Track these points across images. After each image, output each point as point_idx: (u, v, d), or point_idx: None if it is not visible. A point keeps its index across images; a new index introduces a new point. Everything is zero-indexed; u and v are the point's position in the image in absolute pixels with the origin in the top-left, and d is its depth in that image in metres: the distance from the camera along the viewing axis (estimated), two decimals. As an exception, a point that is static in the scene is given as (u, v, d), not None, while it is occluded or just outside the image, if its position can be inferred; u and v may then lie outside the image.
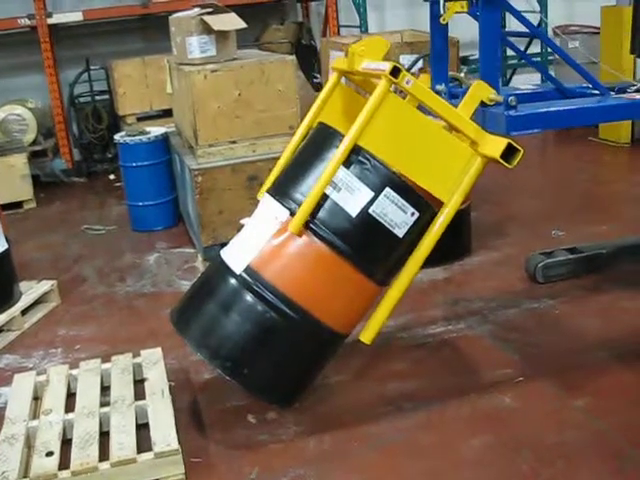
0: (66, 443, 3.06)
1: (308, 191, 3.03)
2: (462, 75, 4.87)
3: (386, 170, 3.02)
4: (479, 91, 3.23)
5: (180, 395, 3.50)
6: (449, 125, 3.13)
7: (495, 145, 2.99)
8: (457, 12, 3.56)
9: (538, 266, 4.40)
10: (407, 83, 2.97)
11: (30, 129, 7.68)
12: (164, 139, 6.13)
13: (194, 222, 5.38)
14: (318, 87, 6.60)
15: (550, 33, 9.28)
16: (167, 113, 7.03)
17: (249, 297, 3.07)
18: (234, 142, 5.19)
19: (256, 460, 3.03)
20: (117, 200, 7.03)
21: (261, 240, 3.14)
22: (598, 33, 7.78)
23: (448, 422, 3.20)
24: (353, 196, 3.01)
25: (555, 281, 4.41)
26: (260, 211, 3.34)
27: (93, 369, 3.63)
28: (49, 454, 2.95)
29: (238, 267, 3.14)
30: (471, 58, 8.90)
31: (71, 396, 3.45)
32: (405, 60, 5.09)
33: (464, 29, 4.85)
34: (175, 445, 2.93)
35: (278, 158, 5.10)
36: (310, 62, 7.97)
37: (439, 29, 3.86)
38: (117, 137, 6.13)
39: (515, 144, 2.96)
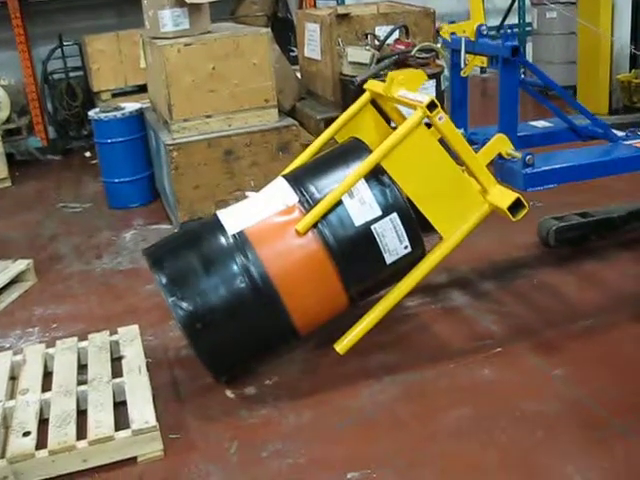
0: (43, 422, 3.04)
1: (324, 188, 3.22)
2: (438, 46, 4.87)
3: (400, 197, 3.18)
4: (499, 144, 3.42)
5: (158, 372, 3.47)
6: (466, 168, 3.31)
7: (504, 197, 3.20)
8: (477, 65, 3.69)
9: (551, 230, 4.38)
10: (440, 119, 3.15)
11: (3, 107, 7.54)
12: (139, 115, 6.05)
13: (170, 198, 5.33)
14: (294, 60, 6.53)
15: (528, 4, 9.27)
16: (142, 89, 6.95)
17: (234, 264, 3.11)
18: (209, 116, 5.14)
19: (235, 435, 3.02)
20: (93, 177, 6.94)
21: (263, 213, 3.22)
22: (575, 3, 7.74)
23: (427, 394, 3.20)
24: (362, 208, 3.16)
25: (567, 245, 4.41)
26: (269, 189, 3.42)
27: (70, 347, 3.60)
28: (26, 434, 2.93)
29: (232, 228, 3.19)
30: (448, 30, 8.86)
31: (48, 375, 3.43)
32: (381, 31, 5.05)
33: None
34: (153, 422, 2.91)
35: (254, 132, 5.16)
36: (286, 35, 7.91)
37: (459, 79, 4.02)
38: (91, 113, 6.05)
39: (523, 200, 3.14)
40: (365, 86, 3.82)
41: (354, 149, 3.42)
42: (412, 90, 3.46)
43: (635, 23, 7.44)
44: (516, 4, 9.60)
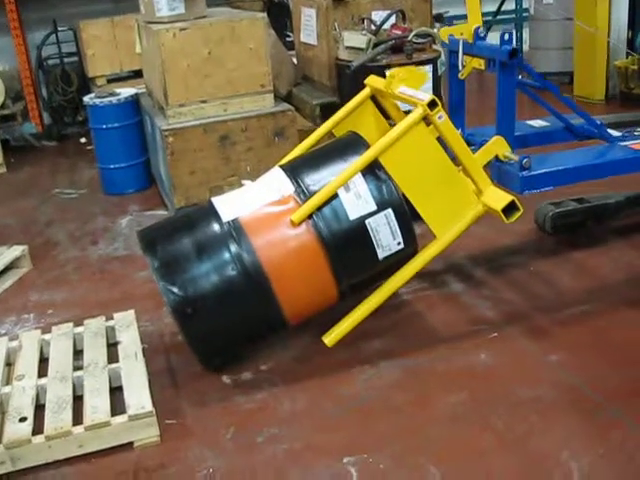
0: (40, 408, 3.04)
1: (320, 180, 3.22)
2: (435, 31, 4.84)
3: (395, 193, 3.19)
4: (496, 146, 3.45)
5: (154, 357, 3.48)
6: (462, 168, 3.33)
7: (499, 199, 3.22)
8: (475, 68, 3.71)
9: (547, 216, 4.38)
10: (439, 118, 3.18)
11: (-2, 92, 7.53)
12: (134, 100, 6.03)
13: (166, 184, 5.32)
14: (290, 45, 6.50)
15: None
16: (138, 74, 6.91)
17: (227, 251, 3.11)
18: (205, 101, 5.11)
19: (231, 421, 3.02)
20: (88, 163, 6.92)
21: (258, 202, 3.22)
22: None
23: (423, 379, 3.21)
24: (358, 202, 3.17)
25: (564, 231, 4.42)
26: (265, 178, 3.43)
27: (65, 333, 3.60)
28: (22, 419, 2.93)
29: (227, 216, 3.20)
30: (445, 15, 8.81)
31: (44, 361, 3.42)
32: (377, 16, 5.01)
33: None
34: (149, 407, 2.91)
35: (250, 117, 5.14)
36: (282, 20, 7.86)
37: (457, 81, 4.02)
38: (86, 99, 6.03)
39: (517, 202, 3.17)
40: (365, 81, 3.82)
41: (353, 143, 3.42)
42: (413, 88, 3.45)
43: (633, 9, 7.42)
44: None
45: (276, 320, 3.23)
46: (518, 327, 3.52)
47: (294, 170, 3.34)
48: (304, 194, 3.20)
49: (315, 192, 3.18)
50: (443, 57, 4.90)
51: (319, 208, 3.14)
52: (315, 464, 2.74)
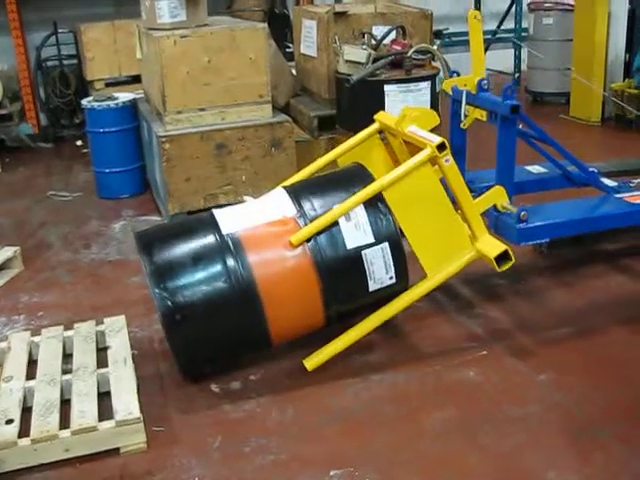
0: (27, 411, 3.02)
1: (322, 206, 3.27)
2: (435, 48, 4.87)
3: (394, 228, 3.26)
4: (496, 196, 3.52)
5: (143, 364, 3.47)
6: (461, 212, 3.41)
7: (493, 247, 3.32)
8: (477, 119, 3.76)
9: None
10: (446, 161, 3.26)
11: (-5, 92, 7.51)
12: (132, 105, 6.03)
13: (161, 190, 5.32)
14: (290, 56, 6.53)
15: (525, 9, 9.28)
16: (136, 79, 6.90)
17: (223, 263, 3.13)
18: (203, 109, 5.13)
19: (219, 430, 3.02)
20: (84, 167, 6.90)
21: (259, 219, 3.26)
22: (572, 10, 7.76)
23: (412, 395, 3.21)
24: (357, 232, 3.22)
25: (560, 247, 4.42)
26: (268, 197, 3.47)
27: (55, 336, 3.59)
28: (9, 422, 2.92)
29: (226, 228, 3.22)
30: (445, 32, 8.85)
31: (33, 363, 3.41)
32: (378, 31, 5.04)
33: (439, 2, 4.84)
34: (137, 413, 2.91)
35: (247, 127, 5.16)
36: (283, 31, 7.89)
37: (459, 129, 4.05)
38: (84, 102, 6.03)
39: (510, 252, 3.28)
40: (375, 116, 3.90)
41: (359, 175, 3.47)
42: (423, 128, 3.52)
43: (630, 31, 7.46)
44: (513, 9, 9.61)
45: (261, 338, 3.25)
46: (508, 345, 3.53)
47: (297, 193, 3.38)
48: (305, 217, 3.25)
49: (316, 217, 3.22)
50: (442, 74, 4.92)
51: (319, 233, 3.19)
52: (302, 476, 2.74)
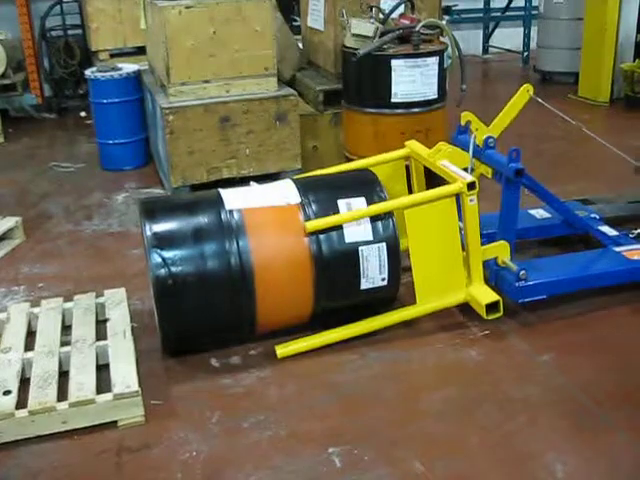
0: (25, 382, 3.01)
1: (328, 207, 3.29)
2: (443, 23, 4.80)
3: (393, 231, 3.32)
4: (499, 250, 3.59)
5: (143, 337, 3.45)
6: (466, 254, 3.49)
7: (486, 294, 3.43)
8: (481, 174, 3.80)
9: None
10: (471, 200, 3.37)
11: (-1, 61, 7.45)
12: (136, 76, 5.98)
13: (164, 162, 5.27)
14: (297, 30, 6.45)
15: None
16: (141, 50, 6.85)
17: (224, 241, 3.14)
18: (207, 81, 5.07)
19: (217, 404, 3.00)
20: (87, 138, 6.88)
21: (263, 202, 3.29)
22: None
23: (413, 373, 3.19)
24: (357, 228, 3.27)
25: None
26: (276, 184, 3.53)
27: (55, 308, 3.57)
28: (7, 392, 2.90)
29: (230, 204, 3.24)
30: (454, 8, 8.77)
31: (31, 334, 3.40)
32: (386, 5, 4.97)
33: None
34: (135, 387, 2.89)
35: (252, 100, 5.11)
36: (290, 4, 7.81)
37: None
38: (88, 72, 5.98)
39: (501, 305, 3.41)
40: (406, 143, 3.99)
41: (367, 179, 3.52)
42: (456, 164, 3.61)
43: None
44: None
45: (247, 321, 3.25)
46: (511, 326, 3.50)
47: (305, 187, 3.40)
48: (309, 207, 3.27)
49: (319, 210, 3.26)
50: (449, 50, 4.86)
51: (333, 228, 3.24)
52: (300, 452, 2.72)
